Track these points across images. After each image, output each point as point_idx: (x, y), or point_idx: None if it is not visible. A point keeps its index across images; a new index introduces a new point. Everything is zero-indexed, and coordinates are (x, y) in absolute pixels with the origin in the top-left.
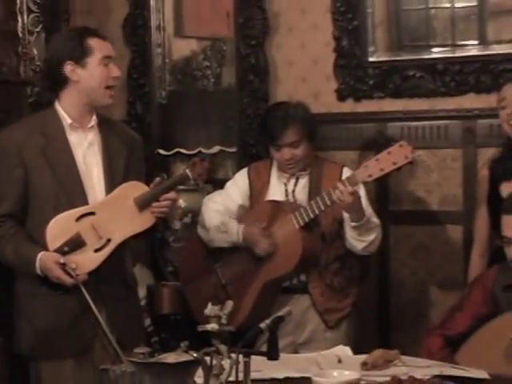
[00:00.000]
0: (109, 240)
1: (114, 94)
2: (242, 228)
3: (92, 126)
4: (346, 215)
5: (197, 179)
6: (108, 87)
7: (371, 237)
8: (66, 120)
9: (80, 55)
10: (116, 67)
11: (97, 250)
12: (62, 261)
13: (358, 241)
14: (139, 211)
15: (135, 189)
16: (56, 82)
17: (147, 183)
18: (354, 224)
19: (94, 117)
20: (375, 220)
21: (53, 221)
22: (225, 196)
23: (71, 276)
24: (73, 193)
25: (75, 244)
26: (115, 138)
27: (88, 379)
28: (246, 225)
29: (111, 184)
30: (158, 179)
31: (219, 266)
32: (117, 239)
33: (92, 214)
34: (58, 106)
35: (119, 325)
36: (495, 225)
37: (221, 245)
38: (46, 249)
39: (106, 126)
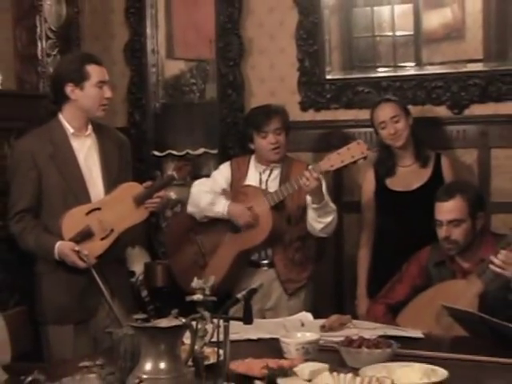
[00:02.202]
0: (112, 230)
1: (107, 108)
2: (229, 204)
3: (89, 134)
4: (308, 199)
5: (183, 179)
6: (101, 105)
7: (328, 219)
8: (69, 130)
9: (79, 79)
10: (109, 89)
11: (102, 239)
12: (76, 249)
13: (317, 222)
14: (136, 207)
15: (132, 188)
16: (59, 98)
17: (141, 179)
18: (315, 206)
19: (90, 125)
20: (332, 205)
21: (67, 215)
22: (211, 181)
23: (84, 261)
24: (77, 190)
25: (86, 234)
26: (108, 142)
27: (88, 342)
28: (232, 202)
29: (108, 180)
30: (149, 182)
31: (200, 238)
32: (118, 229)
33: (98, 209)
34: (61, 118)
35: (116, 295)
36: (383, 211)
37: (209, 216)
38: (61, 238)
39: (99, 131)
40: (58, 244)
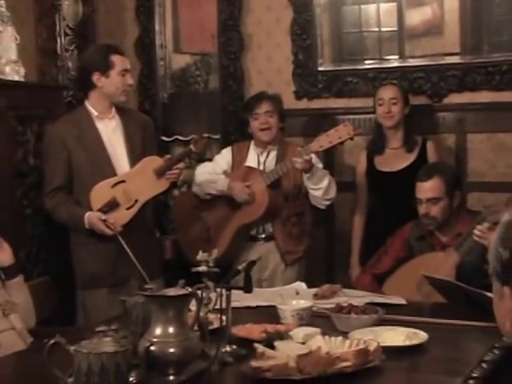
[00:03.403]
0: (136, 200)
1: (127, 94)
2: (228, 181)
3: (113, 116)
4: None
5: (198, 153)
6: (123, 91)
7: (325, 182)
8: (94, 113)
9: (105, 68)
10: (131, 77)
11: (128, 209)
12: (103, 218)
13: (316, 189)
14: (157, 178)
15: (153, 162)
16: (85, 86)
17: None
18: (307, 175)
19: (113, 109)
20: (324, 171)
21: (95, 188)
22: (213, 163)
23: (111, 229)
24: (104, 167)
25: (112, 205)
26: (132, 122)
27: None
28: (231, 179)
29: (133, 157)
30: (168, 156)
31: (204, 215)
32: (142, 199)
33: (123, 181)
34: (87, 103)
35: (141, 259)
36: (372, 189)
37: (211, 193)
38: (90, 209)
39: (123, 113)
40: (87, 214)
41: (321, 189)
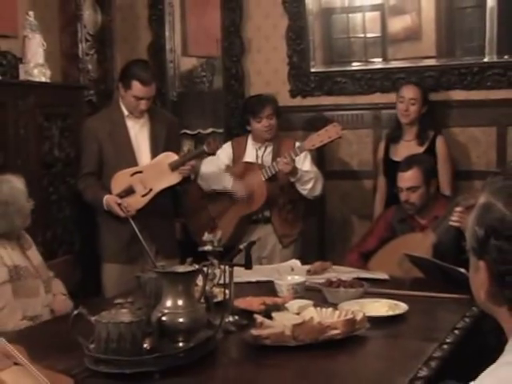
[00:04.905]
0: (151, 189)
1: (142, 113)
2: (232, 181)
3: (142, 116)
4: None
5: (211, 154)
6: (135, 110)
7: (309, 186)
8: (125, 112)
9: (125, 85)
10: (145, 104)
11: (143, 196)
12: (119, 201)
13: (301, 189)
14: (171, 172)
15: (169, 157)
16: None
17: None
18: (293, 179)
19: None
20: (310, 175)
21: (115, 175)
22: (216, 158)
23: (124, 212)
24: (128, 160)
25: (128, 191)
26: (158, 122)
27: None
28: (236, 180)
29: (155, 155)
30: (182, 153)
31: (210, 205)
32: (156, 189)
33: (141, 172)
34: (120, 102)
35: (160, 241)
36: (387, 176)
37: (216, 189)
38: (110, 193)
39: (152, 113)
40: (106, 197)
41: (305, 190)
